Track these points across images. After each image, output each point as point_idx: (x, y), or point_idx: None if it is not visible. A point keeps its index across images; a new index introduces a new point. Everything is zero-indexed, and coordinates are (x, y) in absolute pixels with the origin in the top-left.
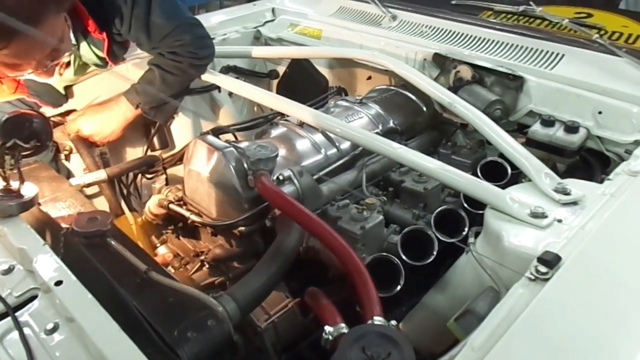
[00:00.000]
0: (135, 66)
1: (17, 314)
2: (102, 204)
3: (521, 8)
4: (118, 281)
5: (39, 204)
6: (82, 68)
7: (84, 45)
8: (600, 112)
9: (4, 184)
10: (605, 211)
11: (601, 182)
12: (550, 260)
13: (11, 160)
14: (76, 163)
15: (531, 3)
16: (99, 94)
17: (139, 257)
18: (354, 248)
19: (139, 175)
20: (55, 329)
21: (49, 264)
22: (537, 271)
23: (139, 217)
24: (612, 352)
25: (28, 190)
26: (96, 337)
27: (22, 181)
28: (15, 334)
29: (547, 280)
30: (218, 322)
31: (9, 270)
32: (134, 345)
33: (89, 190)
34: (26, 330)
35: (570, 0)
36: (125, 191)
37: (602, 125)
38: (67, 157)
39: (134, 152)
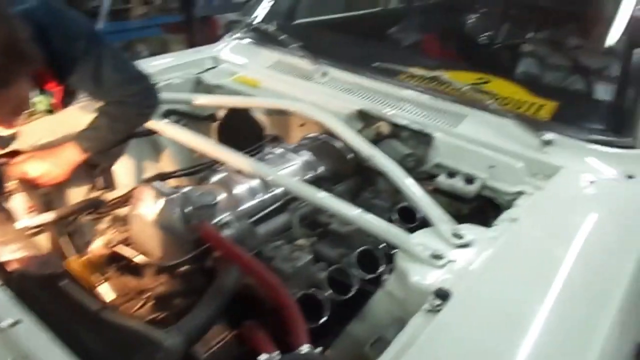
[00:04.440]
0: (80, 111)
1: None
2: (41, 242)
3: (432, 74)
4: (72, 321)
5: None
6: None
7: (38, 97)
8: (492, 167)
9: None
10: (489, 253)
11: (491, 226)
12: (442, 295)
13: None
14: (17, 203)
15: (441, 70)
16: (42, 136)
17: (91, 298)
18: (285, 285)
19: (82, 215)
20: None
21: (3, 306)
22: (432, 304)
23: (81, 256)
24: None
25: None
26: None
27: None
28: None
29: (439, 311)
30: (166, 354)
31: None
32: None
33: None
34: None
35: (475, 65)
36: (67, 231)
37: (494, 177)
38: (8, 198)
39: (77, 192)
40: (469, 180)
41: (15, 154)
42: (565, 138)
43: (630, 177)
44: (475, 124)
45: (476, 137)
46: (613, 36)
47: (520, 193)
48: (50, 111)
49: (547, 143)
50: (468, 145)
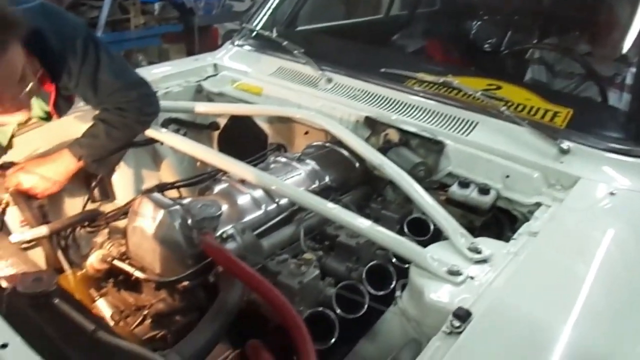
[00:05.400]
0: (77, 119)
1: None
2: (37, 255)
3: (441, 79)
4: (65, 342)
5: None
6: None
7: (36, 101)
8: (507, 176)
9: None
10: (509, 269)
11: (508, 239)
12: (462, 315)
13: None
14: (12, 216)
15: (449, 75)
16: (39, 146)
17: (86, 316)
18: (292, 301)
19: (78, 228)
20: None
21: None
22: (452, 325)
23: (78, 270)
24: None
25: None
26: None
27: None
28: None
29: (460, 333)
30: None
31: None
32: None
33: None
34: None
35: (484, 71)
36: (63, 244)
37: (509, 187)
38: (4, 211)
39: (73, 203)
40: (484, 190)
41: (9, 165)
42: (582, 147)
43: None
44: (488, 131)
45: (490, 145)
46: (628, 43)
47: (537, 204)
48: (45, 118)
49: (564, 152)
50: (481, 154)
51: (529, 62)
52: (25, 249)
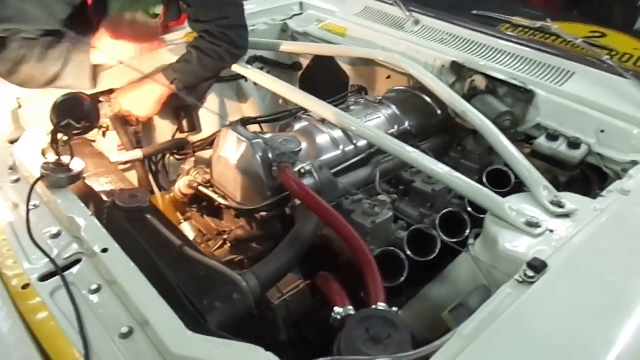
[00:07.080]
0: (171, 52)
1: (64, 274)
2: (131, 177)
3: (538, 24)
4: (156, 253)
5: (84, 178)
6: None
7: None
8: (602, 131)
9: (56, 158)
10: (593, 226)
11: (595, 197)
12: (538, 266)
13: (64, 137)
14: (110, 140)
15: (548, 20)
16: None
17: (174, 233)
18: (364, 240)
19: (167, 155)
20: (98, 289)
21: (95, 233)
22: (525, 275)
23: (166, 194)
24: (582, 348)
25: (76, 165)
26: (136, 298)
27: (72, 157)
28: (63, 291)
29: (532, 283)
30: (242, 296)
31: (56, 235)
32: (170, 308)
33: (120, 165)
34: (72, 289)
35: (588, 17)
36: (154, 169)
37: (603, 143)
38: (104, 134)
39: (163, 133)
40: (574, 144)
41: (110, 92)
42: None
43: None
44: (586, 82)
45: (585, 96)
46: None
47: (634, 163)
48: (152, 16)
49: None
50: (575, 106)
51: None
52: (122, 170)
